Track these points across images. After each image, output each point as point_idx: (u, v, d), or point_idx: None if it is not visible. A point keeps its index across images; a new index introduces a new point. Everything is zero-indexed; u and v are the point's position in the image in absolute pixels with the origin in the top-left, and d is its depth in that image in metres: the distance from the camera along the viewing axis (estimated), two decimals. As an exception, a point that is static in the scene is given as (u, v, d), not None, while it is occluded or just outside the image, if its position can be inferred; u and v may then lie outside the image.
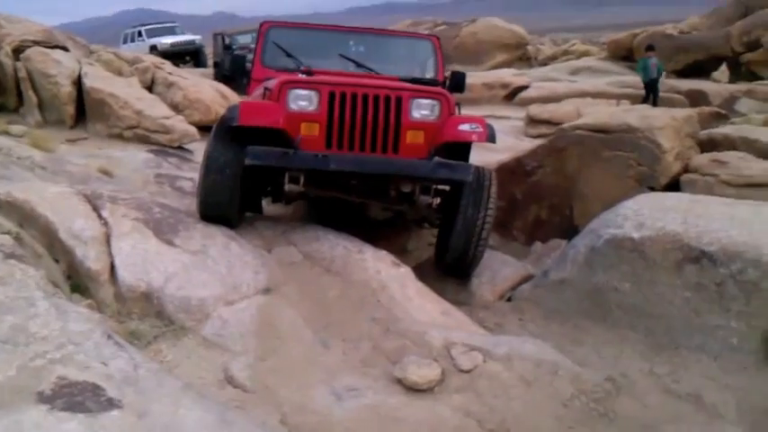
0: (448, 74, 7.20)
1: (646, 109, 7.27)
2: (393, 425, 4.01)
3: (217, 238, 5.47)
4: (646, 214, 5.16)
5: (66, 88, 11.48)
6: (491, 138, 5.60)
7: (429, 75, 7.08)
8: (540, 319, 5.44)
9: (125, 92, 11.33)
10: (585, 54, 24.33)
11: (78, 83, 11.70)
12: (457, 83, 6.99)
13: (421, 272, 6.19)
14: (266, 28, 7.09)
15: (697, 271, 4.76)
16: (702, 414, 4.19)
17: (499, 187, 7.36)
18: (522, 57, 24.09)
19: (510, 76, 19.88)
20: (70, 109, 11.54)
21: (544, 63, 24.25)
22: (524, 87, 19.22)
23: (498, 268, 6.25)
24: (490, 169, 6.26)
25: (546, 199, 6.71)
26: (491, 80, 19.27)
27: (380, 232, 7.24)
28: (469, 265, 6.16)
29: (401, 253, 6.93)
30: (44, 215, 5.29)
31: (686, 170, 6.50)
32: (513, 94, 19.35)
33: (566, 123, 7.54)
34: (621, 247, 5.13)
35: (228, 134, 5.63)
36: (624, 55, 21.49)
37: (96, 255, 5.03)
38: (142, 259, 5.01)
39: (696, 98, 16.55)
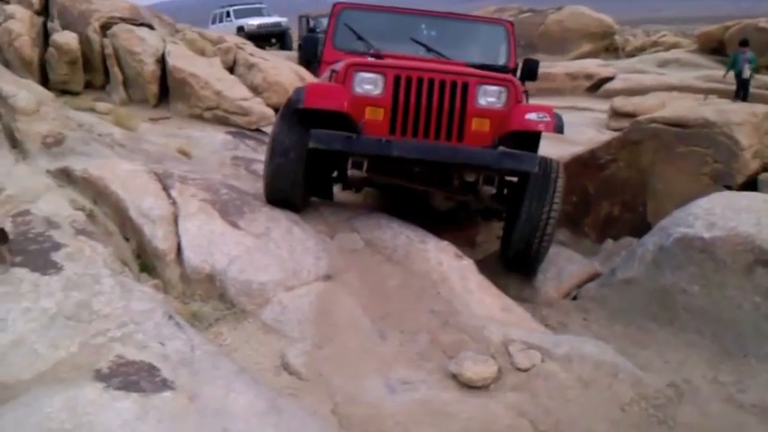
0: (520, 61, 6.98)
1: (724, 104, 6.97)
2: (444, 420, 3.97)
3: (280, 222, 5.50)
4: (718, 214, 4.96)
5: (150, 66, 11.72)
6: (559, 128, 5.41)
7: (501, 61, 6.87)
8: (604, 320, 5.30)
9: (206, 72, 11.50)
10: (675, 46, 23.53)
11: (162, 61, 11.93)
12: (529, 70, 6.74)
13: (486, 265, 6.12)
14: (338, 9, 7.04)
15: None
16: (767, 426, 4.02)
17: (571, 181, 7.18)
18: (608, 47, 23.43)
19: (595, 66, 19.36)
20: (153, 87, 11.79)
21: (632, 54, 23.62)
22: (609, 79, 18.67)
23: (564, 265, 6.12)
24: (558, 161, 6.05)
25: (618, 194, 6.52)
26: (574, 70, 18.82)
27: (450, 224, 7.18)
28: (533, 260, 5.99)
29: (469, 245, 6.87)
30: (116, 192, 5.44)
31: (765, 169, 6.21)
32: (597, 86, 18.83)
33: (641, 116, 7.30)
34: (691, 246, 4.95)
35: (294, 117, 5.62)
36: (715, 48, 20.65)
37: (164, 234, 5.14)
38: (207, 241, 5.09)
39: (791, 96, 15.82)
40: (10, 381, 3.43)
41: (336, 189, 7.02)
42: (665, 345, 4.86)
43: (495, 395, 4.26)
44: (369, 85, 5.38)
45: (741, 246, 4.68)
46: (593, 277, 5.98)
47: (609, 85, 18.38)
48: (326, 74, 6.23)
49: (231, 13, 30.33)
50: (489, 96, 5.41)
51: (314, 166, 5.85)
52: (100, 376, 3.47)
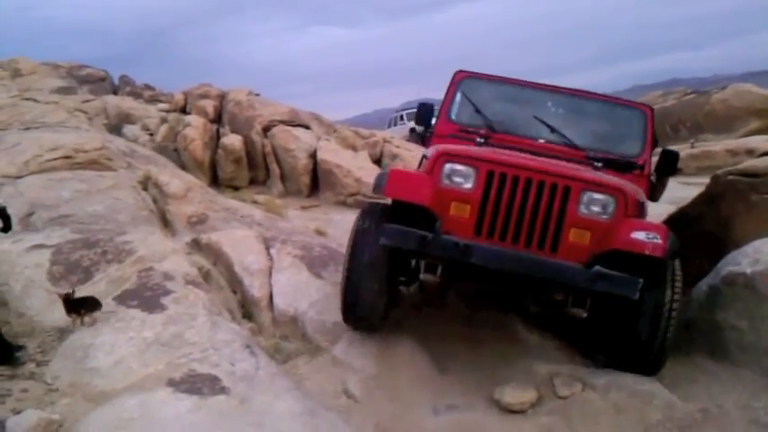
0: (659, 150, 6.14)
1: None
2: (474, 436, 4.38)
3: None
4: (765, 251, 5.04)
5: (303, 161, 13.03)
6: (671, 253, 4.66)
7: (634, 151, 5.87)
8: (668, 361, 5.45)
9: (349, 162, 12.63)
10: None
11: (314, 156, 13.22)
12: (668, 164, 5.97)
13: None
14: (459, 78, 6.25)
15: (806, 305, 4.60)
16: None
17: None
18: (780, 122, 22.63)
19: (758, 142, 18.76)
20: (305, 179, 13.06)
21: (810, 129, 22.59)
22: (770, 153, 18.06)
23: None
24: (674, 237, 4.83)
25: (706, 249, 6.58)
26: (734, 147, 18.35)
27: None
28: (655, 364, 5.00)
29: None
30: (227, 253, 6.35)
31: None
32: (761, 162, 18.22)
33: (720, 170, 7.33)
34: (735, 283, 5.04)
35: (376, 208, 5.35)
36: None
37: (259, 284, 5.97)
38: (293, 289, 5.86)
39: None
40: (108, 389, 4.24)
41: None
42: (716, 379, 4.95)
43: (530, 418, 4.64)
44: (459, 177, 4.83)
45: (777, 278, 4.78)
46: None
47: (769, 160, 17.69)
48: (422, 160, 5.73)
49: (404, 116, 32.09)
50: (594, 205, 4.72)
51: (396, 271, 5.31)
52: (172, 383, 4.22)
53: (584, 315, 4.87)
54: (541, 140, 5.79)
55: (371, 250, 5.01)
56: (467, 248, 4.57)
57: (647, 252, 4.49)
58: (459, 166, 4.83)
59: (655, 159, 6.02)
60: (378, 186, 5.04)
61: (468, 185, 4.78)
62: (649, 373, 4.94)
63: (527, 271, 4.60)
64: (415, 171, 5.49)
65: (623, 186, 4.82)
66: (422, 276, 5.03)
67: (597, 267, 4.51)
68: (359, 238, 5.14)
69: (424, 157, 5.60)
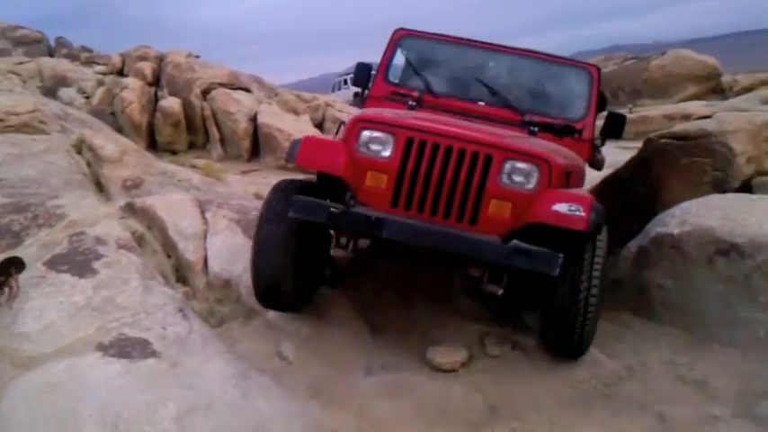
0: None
1: (727, 115, 7.07)
2: (403, 394, 4.46)
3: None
4: (692, 212, 5.17)
5: (243, 125, 12.93)
6: (594, 226, 4.32)
7: (577, 114, 5.67)
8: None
9: (290, 126, 12.57)
10: (785, 83, 22.89)
11: (255, 120, 13.11)
12: (614, 127, 5.86)
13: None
14: (399, 36, 5.95)
15: (726, 264, 4.72)
16: (700, 396, 4.23)
17: (603, 202, 7.49)
18: (715, 89, 23.07)
19: (694, 107, 19.15)
20: (246, 143, 12.97)
21: (740, 94, 23.05)
22: (707, 118, 18.45)
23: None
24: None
25: (638, 210, 6.73)
26: (671, 112, 18.62)
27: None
28: (576, 346, 4.70)
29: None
30: (161, 216, 6.27)
31: (760, 173, 6.26)
32: (698, 127, 18.63)
33: (653, 133, 7.48)
34: (663, 243, 5.19)
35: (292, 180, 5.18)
36: (825, 82, 20.11)
37: (194, 248, 5.91)
38: (228, 252, 5.82)
39: None
40: (36, 354, 4.17)
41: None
42: (642, 337, 5.11)
43: (460, 377, 4.75)
44: (376, 145, 4.57)
45: (703, 238, 4.89)
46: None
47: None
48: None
49: (348, 81, 32.01)
50: (516, 175, 4.45)
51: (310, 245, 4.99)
52: (101, 347, 4.18)
53: (500, 293, 4.61)
54: (481, 103, 5.61)
55: (279, 229, 4.76)
56: (378, 222, 4.28)
57: (568, 225, 4.26)
58: (376, 133, 4.58)
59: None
60: (291, 155, 4.72)
61: (386, 154, 4.53)
62: (573, 356, 4.77)
63: (439, 246, 4.32)
64: (331, 138, 5.28)
65: (548, 155, 4.54)
66: (332, 251, 4.89)
67: (515, 242, 4.20)
68: (265, 215, 4.88)
69: (341, 123, 5.29)
